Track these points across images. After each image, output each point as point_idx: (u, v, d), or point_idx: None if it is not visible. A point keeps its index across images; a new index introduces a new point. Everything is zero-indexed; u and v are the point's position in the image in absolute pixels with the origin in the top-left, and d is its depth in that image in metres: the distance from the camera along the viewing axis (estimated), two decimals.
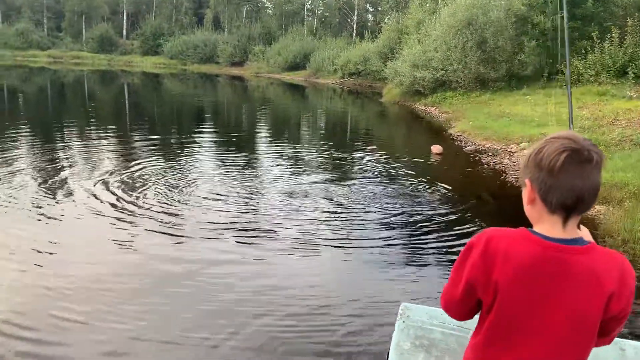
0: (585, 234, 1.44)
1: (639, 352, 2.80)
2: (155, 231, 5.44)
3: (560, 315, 1.31)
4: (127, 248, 4.99)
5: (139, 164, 8.61)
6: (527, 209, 1.39)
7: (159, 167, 8.41)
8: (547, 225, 1.33)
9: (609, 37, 15.52)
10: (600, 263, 1.31)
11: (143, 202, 6.38)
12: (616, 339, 2.97)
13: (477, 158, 10.28)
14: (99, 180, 7.29)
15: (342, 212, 6.41)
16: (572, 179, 1.26)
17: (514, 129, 12.00)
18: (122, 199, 6.49)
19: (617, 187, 6.86)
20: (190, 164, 8.84)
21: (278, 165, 9.25)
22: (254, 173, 8.43)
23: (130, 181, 7.35)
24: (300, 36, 46.90)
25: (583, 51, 16.18)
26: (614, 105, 12.51)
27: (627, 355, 2.79)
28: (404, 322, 2.91)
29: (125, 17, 62.87)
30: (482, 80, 19.08)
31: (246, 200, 6.73)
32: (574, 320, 1.31)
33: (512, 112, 14.22)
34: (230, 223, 5.83)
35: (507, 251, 1.32)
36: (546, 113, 13.16)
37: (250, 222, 5.89)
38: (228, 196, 6.83)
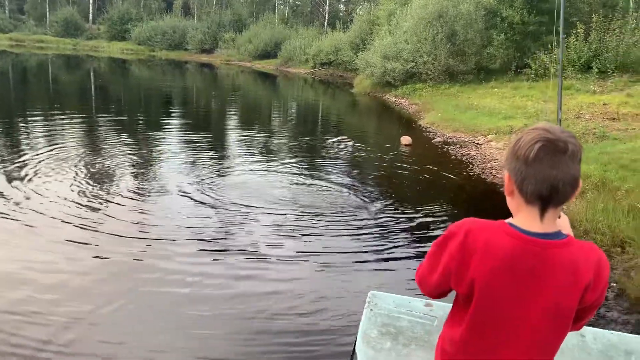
0: (564, 222, 1.48)
1: (598, 338, 2.88)
2: (120, 229, 5.12)
3: (540, 308, 1.33)
4: (88, 248, 4.65)
5: (104, 153, 8.44)
6: (508, 200, 1.41)
7: (125, 157, 8.23)
8: (525, 217, 1.34)
9: (574, 32, 15.85)
10: (577, 256, 1.32)
11: (108, 195, 6.18)
12: None
13: (445, 149, 10.40)
14: (59, 172, 7.05)
15: (309, 203, 6.40)
16: (546, 169, 1.27)
17: (482, 121, 12.18)
18: (85, 192, 6.24)
19: (580, 178, 7.04)
20: (157, 154, 8.70)
21: (248, 156, 9.18)
22: (223, 165, 8.30)
23: (94, 172, 7.15)
24: (272, 24, 46.44)
25: (549, 46, 16.48)
26: (579, 99, 12.81)
27: (587, 340, 2.87)
28: (371, 310, 2.92)
29: (91, 1, 61.13)
30: (452, 73, 19.28)
31: (213, 196, 6.47)
32: (553, 312, 1.34)
33: (480, 105, 14.42)
34: (196, 217, 5.77)
35: (486, 245, 1.33)
36: (513, 106, 13.41)
37: (217, 218, 5.77)
38: (194, 190, 6.58)
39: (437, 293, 1.49)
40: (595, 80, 14.35)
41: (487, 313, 1.37)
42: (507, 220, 1.38)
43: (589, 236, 5.41)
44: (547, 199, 1.29)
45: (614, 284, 4.42)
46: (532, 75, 16.64)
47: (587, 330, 2.97)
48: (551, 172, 1.26)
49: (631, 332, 3.61)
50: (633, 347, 2.82)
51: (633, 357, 2.76)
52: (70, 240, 4.79)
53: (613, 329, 3.63)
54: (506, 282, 1.32)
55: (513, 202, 1.37)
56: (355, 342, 2.69)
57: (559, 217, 1.43)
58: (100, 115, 13.33)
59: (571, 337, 2.89)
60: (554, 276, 1.31)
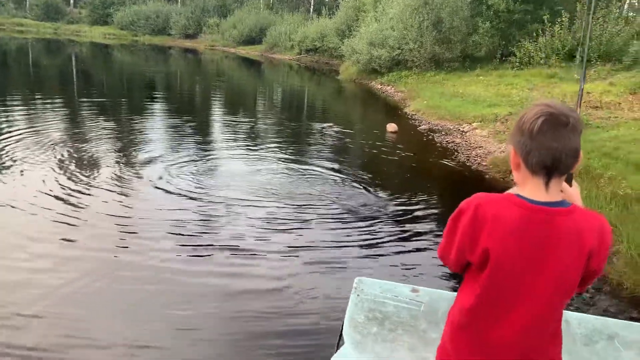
0: (575, 192, 1.58)
1: (582, 323, 2.92)
2: (97, 223, 4.92)
3: (547, 273, 1.41)
4: (62, 242, 4.48)
5: (84, 138, 8.33)
6: (515, 174, 1.48)
7: (106, 144, 8.11)
8: (531, 188, 1.42)
9: (559, 20, 15.92)
10: (582, 223, 1.41)
11: (86, 184, 6.04)
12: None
13: (430, 137, 10.42)
14: (36, 158, 6.92)
15: (295, 192, 6.38)
16: (549, 141, 1.35)
17: (467, 109, 12.21)
18: (62, 181, 6.10)
19: (581, 150, 7.10)
20: (140, 140, 8.59)
21: (232, 143, 9.11)
22: (206, 153, 8.20)
23: (73, 159, 7.04)
24: (257, 9, 45.92)
25: (534, 34, 16.55)
26: (562, 87, 12.90)
27: (572, 326, 2.90)
28: (358, 295, 2.92)
29: None
30: (437, 61, 19.26)
31: (196, 185, 6.33)
32: (559, 276, 1.42)
33: (466, 92, 14.45)
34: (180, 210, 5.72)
35: (495, 216, 1.41)
36: (497, 94, 13.45)
37: (199, 208, 5.67)
38: (177, 180, 6.44)
39: (458, 267, 1.56)
40: (578, 68, 14.44)
41: (498, 280, 1.44)
42: (514, 192, 1.46)
43: None
44: (551, 169, 1.38)
45: None
46: (517, 64, 16.69)
47: (571, 315, 3.00)
48: (554, 144, 1.35)
49: (614, 317, 3.67)
50: (615, 331, 2.85)
51: (616, 340, 2.80)
52: (42, 233, 4.63)
53: (597, 314, 3.68)
54: (516, 250, 1.41)
55: (519, 175, 1.46)
56: (342, 327, 2.68)
57: (571, 187, 1.56)
58: (81, 100, 13.12)
59: None
60: (560, 242, 1.39)
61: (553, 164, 1.37)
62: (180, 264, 4.27)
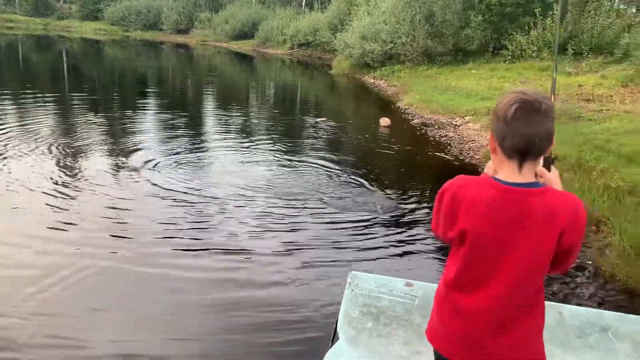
0: (555, 176, 1.68)
1: (575, 315, 2.93)
2: (86, 224, 4.82)
3: (520, 249, 1.51)
4: (56, 242, 4.40)
5: (74, 135, 8.28)
6: (492, 158, 1.59)
7: (99, 141, 8.04)
8: (506, 170, 1.52)
9: (550, 14, 15.94)
10: (554, 203, 1.49)
11: (80, 184, 5.97)
12: (553, 303, 3.11)
13: (423, 131, 10.43)
14: (26, 154, 6.87)
15: (289, 187, 6.36)
16: (523, 127, 1.45)
17: (460, 103, 12.22)
18: (52, 178, 6.04)
19: (557, 160, 7.12)
20: (132, 137, 8.52)
21: (225, 139, 9.07)
22: (199, 149, 8.14)
23: (63, 156, 6.98)
24: (248, 4, 45.67)
25: (526, 27, 16.57)
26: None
27: (564, 318, 2.91)
28: (352, 290, 2.92)
29: None
30: (430, 54, 19.25)
31: (191, 181, 6.29)
32: (532, 253, 1.51)
33: (458, 86, 14.46)
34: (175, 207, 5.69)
35: (472, 198, 1.53)
36: (490, 87, 13.47)
37: (195, 204, 5.65)
38: (168, 177, 6.36)
39: (447, 240, 1.66)
40: (570, 61, 14.48)
41: (475, 256, 1.56)
42: (491, 175, 1.58)
43: None
44: (524, 153, 1.48)
45: (589, 262, 4.49)
46: (509, 57, 16.71)
47: (564, 307, 3.01)
48: (527, 129, 1.45)
49: (607, 309, 3.69)
50: (608, 323, 2.87)
51: (609, 332, 2.81)
52: (30, 231, 4.56)
53: (590, 306, 3.70)
54: (490, 228, 1.51)
55: (496, 158, 1.56)
56: (337, 322, 2.68)
57: (550, 172, 1.67)
58: (72, 96, 13.06)
59: (549, 315, 2.93)
60: (532, 220, 1.48)
61: (526, 148, 1.46)
62: (173, 260, 4.24)
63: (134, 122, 9.86)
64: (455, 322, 1.65)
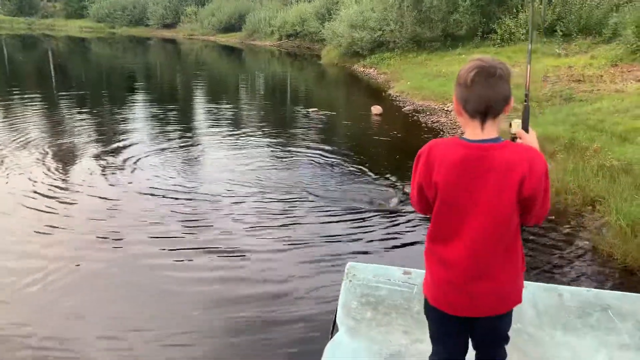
0: (532, 137, 1.88)
1: (574, 296, 2.91)
2: (74, 224, 4.78)
3: (485, 198, 1.67)
4: (43, 246, 4.32)
5: (63, 134, 8.21)
6: (459, 119, 1.77)
7: (87, 139, 7.94)
8: (470, 130, 1.70)
9: None
10: (513, 155, 1.65)
11: (68, 183, 5.91)
12: (552, 285, 3.09)
13: (415, 117, 10.38)
14: (14, 155, 6.79)
15: (283, 178, 6.31)
16: (481, 90, 1.62)
17: (450, 88, 12.01)
18: (41, 178, 5.96)
19: (550, 140, 7.10)
20: (122, 135, 8.40)
21: (216, 133, 9.00)
22: (189, 145, 8.04)
23: (52, 155, 6.92)
24: None
25: (514, 10, 16.51)
26: (544, 62, 12.89)
27: (564, 299, 2.89)
28: (350, 281, 2.88)
29: None
30: (419, 41, 19.14)
31: (185, 178, 6.23)
32: (496, 201, 1.67)
33: (448, 72, 14.38)
34: (168, 200, 5.62)
35: (442, 156, 1.70)
36: None
37: (190, 197, 5.65)
38: (161, 174, 6.29)
39: (421, 207, 1.85)
40: (559, 43, 14.45)
41: (446, 208, 1.73)
42: (458, 135, 1.76)
43: (561, 197, 5.47)
44: (484, 113, 1.66)
45: (587, 242, 4.48)
46: (498, 41, 16.65)
47: (564, 289, 2.99)
48: (485, 92, 1.62)
49: (606, 289, 3.67)
50: (609, 303, 2.85)
51: (610, 312, 2.80)
52: (15, 233, 4.51)
53: (589, 287, 3.68)
54: (456, 181, 1.68)
55: (462, 120, 1.74)
56: (336, 314, 2.64)
57: (528, 133, 1.88)
58: (60, 95, 12.93)
59: (549, 297, 2.91)
60: (494, 171, 1.65)
61: (486, 109, 1.64)
62: (164, 260, 4.17)
63: (123, 119, 9.76)
64: (439, 272, 1.81)
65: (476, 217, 1.69)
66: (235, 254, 4.24)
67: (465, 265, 1.74)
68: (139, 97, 13.37)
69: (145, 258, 4.15)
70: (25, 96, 11.96)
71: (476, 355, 2.00)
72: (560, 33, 14.85)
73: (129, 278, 3.83)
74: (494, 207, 1.67)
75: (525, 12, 16.21)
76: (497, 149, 1.66)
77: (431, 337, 2.00)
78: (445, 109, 10.82)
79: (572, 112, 8.30)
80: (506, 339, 1.97)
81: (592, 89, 9.87)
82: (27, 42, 34.17)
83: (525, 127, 1.91)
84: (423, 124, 9.73)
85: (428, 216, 1.83)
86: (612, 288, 3.71)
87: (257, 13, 37.44)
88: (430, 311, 1.90)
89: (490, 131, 1.68)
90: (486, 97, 1.63)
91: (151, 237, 4.50)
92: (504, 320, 1.89)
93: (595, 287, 3.72)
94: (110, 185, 5.85)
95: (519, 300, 1.84)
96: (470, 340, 1.97)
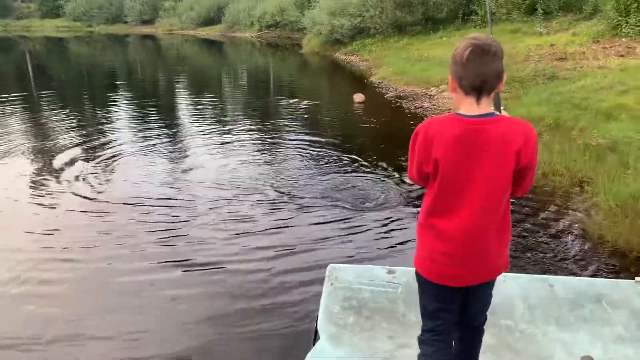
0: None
1: (566, 287, 2.79)
2: (49, 227, 4.64)
3: (484, 170, 1.74)
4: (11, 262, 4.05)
5: (41, 137, 7.93)
6: (453, 96, 1.83)
7: (72, 142, 7.67)
8: (466, 106, 1.76)
9: None
10: (508, 128, 1.73)
11: (58, 186, 5.71)
12: (543, 276, 2.97)
13: (398, 104, 10.23)
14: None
15: (265, 175, 6.13)
16: (476, 67, 1.69)
17: (433, 72, 12.02)
18: (18, 187, 5.74)
19: (535, 121, 6.97)
20: (106, 137, 8.11)
21: (198, 130, 8.76)
22: (172, 143, 7.81)
23: (31, 158, 6.68)
24: None
25: None
26: (526, 42, 12.78)
27: (556, 290, 2.77)
28: (332, 284, 2.74)
29: None
30: (399, 25, 18.97)
31: (162, 181, 5.89)
32: (494, 172, 1.74)
33: (430, 56, 14.25)
34: (154, 199, 5.43)
35: (440, 132, 1.75)
36: None
37: (173, 195, 5.45)
38: (140, 178, 6.00)
39: (424, 177, 1.86)
40: (540, 21, 14.34)
41: (446, 181, 1.78)
42: (454, 112, 1.80)
43: (548, 179, 5.37)
44: (479, 89, 1.72)
45: (576, 225, 4.37)
46: (480, 22, 16.53)
47: (555, 279, 2.87)
48: (481, 69, 1.69)
49: (597, 273, 3.57)
50: (602, 292, 2.74)
51: (603, 301, 2.68)
52: None
53: (579, 272, 3.58)
54: (456, 155, 1.73)
55: (457, 96, 1.80)
56: (317, 320, 2.50)
57: (500, 112, 1.91)
58: (40, 95, 12.65)
59: (540, 288, 2.79)
60: (490, 144, 1.71)
61: (481, 85, 1.71)
62: (136, 270, 3.89)
63: (102, 120, 9.50)
64: (435, 244, 1.86)
65: (475, 190, 1.76)
66: (211, 266, 3.90)
67: (464, 238, 1.80)
68: (119, 95, 13.08)
69: (113, 274, 3.81)
70: (4, 98, 11.67)
71: (464, 321, 2.06)
72: (541, 11, 14.76)
73: (93, 296, 3.53)
74: (491, 179, 1.75)
75: None
76: (492, 123, 1.73)
77: (424, 314, 2.03)
78: (429, 93, 10.69)
79: (556, 90, 8.18)
80: (490, 302, 2.07)
81: (575, 66, 9.77)
82: (2, 45, 33.50)
83: (497, 106, 1.96)
84: (406, 110, 9.58)
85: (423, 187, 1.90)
86: (604, 271, 3.61)
87: (236, 4, 37.01)
88: (426, 286, 1.94)
89: (485, 107, 1.75)
90: (481, 73, 1.69)
91: (120, 250, 4.16)
92: (492, 285, 2.01)
93: (587, 272, 3.62)
94: (83, 192, 5.51)
95: (507, 266, 1.95)
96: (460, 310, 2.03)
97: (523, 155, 1.72)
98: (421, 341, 2.02)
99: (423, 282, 1.95)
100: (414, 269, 2.02)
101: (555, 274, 3.51)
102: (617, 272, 3.55)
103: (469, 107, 1.75)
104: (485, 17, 16.33)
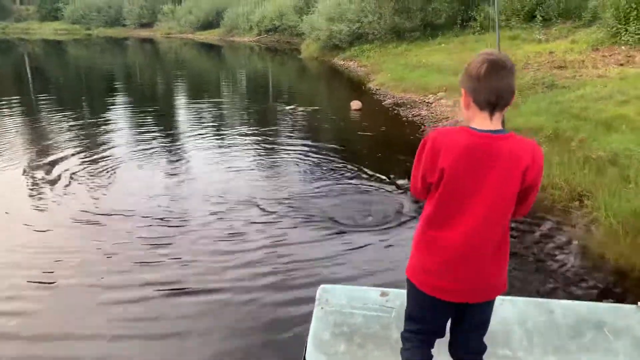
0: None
1: (566, 312, 2.68)
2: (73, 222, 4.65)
3: (490, 185, 1.74)
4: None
5: (39, 142, 7.83)
6: (464, 112, 1.84)
7: (66, 149, 7.54)
8: (479, 121, 1.76)
9: None
10: (517, 145, 1.74)
11: (56, 192, 5.61)
12: (543, 300, 2.86)
13: (395, 111, 10.12)
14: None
15: (257, 187, 5.98)
16: (493, 82, 1.71)
17: (431, 79, 11.93)
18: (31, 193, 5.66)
19: (533, 131, 6.89)
20: (101, 144, 7.94)
21: (195, 137, 8.60)
22: (168, 153, 7.59)
23: (28, 171, 6.53)
24: None
25: None
26: (525, 49, 12.71)
27: (556, 315, 2.66)
28: (322, 308, 2.63)
29: None
30: (398, 31, 18.88)
31: (156, 193, 5.69)
32: (500, 189, 1.75)
33: (429, 62, 14.17)
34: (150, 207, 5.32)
35: (449, 143, 1.75)
36: (461, 61, 13.20)
37: (164, 208, 5.28)
38: (144, 184, 5.93)
39: (424, 191, 1.88)
40: (539, 28, 14.28)
41: (450, 192, 1.78)
42: (465, 125, 1.81)
43: (547, 192, 5.25)
44: (494, 104, 1.74)
45: (576, 242, 4.26)
46: (478, 28, 16.49)
47: (554, 304, 2.77)
48: (496, 84, 1.71)
49: (597, 295, 3.46)
50: (604, 318, 2.63)
51: (605, 328, 2.58)
52: None
53: (579, 293, 3.47)
54: (465, 166, 1.74)
55: (469, 112, 1.81)
56: (306, 349, 2.39)
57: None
58: (39, 99, 12.55)
59: (539, 314, 2.68)
60: (499, 160, 1.73)
61: (497, 100, 1.73)
62: (118, 300, 3.58)
63: (100, 124, 9.37)
64: (431, 256, 1.86)
65: (478, 205, 1.76)
66: (199, 289, 3.65)
67: (463, 252, 1.80)
68: (116, 99, 12.96)
69: (93, 302, 3.54)
70: (3, 101, 11.59)
71: (461, 343, 2.03)
72: (540, 18, 14.71)
73: (69, 322, 3.30)
74: (497, 196, 1.75)
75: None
76: (503, 140, 1.74)
77: (408, 318, 2.04)
78: (427, 101, 10.59)
79: (554, 100, 8.09)
80: (487, 326, 2.02)
81: (574, 75, 9.69)
82: (1, 47, 33.37)
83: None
84: (404, 118, 9.47)
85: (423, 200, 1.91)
86: (605, 293, 3.50)
87: (235, 8, 36.94)
88: (418, 296, 1.92)
89: (497, 122, 1.76)
90: (497, 88, 1.71)
91: (103, 273, 3.91)
92: (489, 306, 1.97)
93: (587, 292, 3.51)
94: (71, 205, 5.31)
95: (505, 287, 1.92)
96: (453, 326, 2.03)
97: (529, 174, 1.74)
98: (404, 338, 2.07)
99: (414, 292, 1.94)
100: (404, 291, 1.99)
101: (554, 294, 3.41)
102: (618, 295, 3.44)
103: (481, 122, 1.76)
104: (483, 23, 16.32)
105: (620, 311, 2.68)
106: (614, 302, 3.01)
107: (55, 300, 3.56)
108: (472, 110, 1.78)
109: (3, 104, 11.25)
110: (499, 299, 2.76)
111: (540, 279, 3.71)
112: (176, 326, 3.22)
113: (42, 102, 12.12)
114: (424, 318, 1.98)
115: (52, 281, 3.78)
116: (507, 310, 2.68)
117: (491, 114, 1.75)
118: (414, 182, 1.90)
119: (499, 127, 1.77)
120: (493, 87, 1.71)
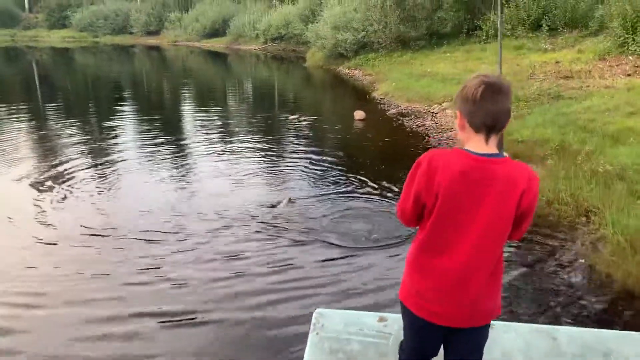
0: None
1: (571, 339, 2.57)
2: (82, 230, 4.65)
3: (485, 210, 1.70)
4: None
5: (55, 152, 7.83)
6: (459, 134, 1.80)
7: (79, 155, 7.56)
8: (474, 143, 1.73)
9: None
10: (513, 170, 1.72)
11: (64, 198, 5.64)
12: (545, 327, 2.75)
13: (400, 122, 10.04)
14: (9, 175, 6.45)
15: (255, 202, 5.80)
16: (489, 105, 1.68)
17: (436, 88, 11.84)
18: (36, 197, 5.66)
19: (539, 144, 6.80)
20: (110, 152, 7.97)
21: (202, 146, 8.58)
22: (171, 164, 7.53)
23: (47, 175, 6.53)
24: (218, 1, 44.84)
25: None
26: (531, 58, 12.61)
27: (560, 343, 2.55)
28: (317, 334, 2.53)
29: None
30: (403, 40, 18.82)
31: (154, 208, 5.60)
32: (495, 212, 1.71)
33: (434, 71, 14.09)
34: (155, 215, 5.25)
35: (445, 165, 1.71)
36: (466, 70, 13.11)
37: (161, 225, 5.19)
38: (143, 197, 5.89)
39: (415, 216, 1.83)
40: (545, 37, 14.19)
41: (444, 216, 1.73)
42: (459, 147, 1.77)
43: (552, 207, 5.15)
44: (490, 127, 1.70)
45: (582, 261, 4.15)
46: (484, 37, 16.40)
47: (559, 331, 2.66)
48: (493, 107, 1.68)
49: (604, 318, 3.35)
50: (610, 346, 2.52)
51: (612, 357, 2.47)
52: None
53: (584, 315, 3.36)
54: (460, 190, 1.70)
55: (464, 134, 1.77)
56: None
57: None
58: (46, 107, 12.61)
59: (542, 341, 2.57)
60: (495, 184, 1.69)
61: (493, 123, 1.69)
62: (102, 330, 3.40)
63: (106, 133, 9.37)
64: (425, 281, 1.82)
65: (473, 228, 1.72)
66: (190, 314, 3.54)
67: (459, 278, 1.76)
68: (123, 108, 12.95)
69: (80, 323, 3.45)
70: (12, 109, 11.69)
71: None
72: (546, 27, 14.61)
73: (55, 346, 3.22)
74: (492, 220, 1.71)
75: (509, 7, 15.94)
76: (499, 164, 1.71)
77: (404, 338, 2.05)
78: (431, 111, 10.51)
79: (561, 111, 7.99)
80: (482, 351, 1.96)
81: (580, 85, 9.58)
82: (10, 54, 33.59)
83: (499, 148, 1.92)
84: (408, 129, 9.39)
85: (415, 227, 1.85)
86: (612, 316, 3.39)
87: (242, 17, 37.03)
88: (411, 319, 1.91)
89: (493, 145, 1.73)
90: (494, 112, 1.68)
91: (92, 292, 3.83)
92: (485, 331, 1.93)
93: (593, 315, 3.40)
94: (66, 221, 5.22)
95: (499, 311, 1.89)
96: (446, 351, 1.99)
97: (525, 198, 1.71)
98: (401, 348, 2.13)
99: (408, 314, 1.93)
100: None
101: (558, 315, 3.31)
102: (626, 318, 3.33)
103: (477, 144, 1.73)
104: (489, 32, 16.22)
105: (628, 339, 2.57)
106: (621, 329, 2.90)
107: (42, 320, 3.49)
108: (467, 132, 1.75)
109: (12, 111, 11.32)
110: (501, 326, 2.67)
111: (544, 299, 3.61)
112: (168, 349, 3.15)
113: (50, 110, 12.17)
114: (417, 341, 1.98)
115: (38, 303, 3.71)
116: (510, 338, 2.58)
117: (487, 136, 1.72)
118: (403, 205, 1.84)
119: (494, 150, 1.74)
120: (489, 111, 1.68)
